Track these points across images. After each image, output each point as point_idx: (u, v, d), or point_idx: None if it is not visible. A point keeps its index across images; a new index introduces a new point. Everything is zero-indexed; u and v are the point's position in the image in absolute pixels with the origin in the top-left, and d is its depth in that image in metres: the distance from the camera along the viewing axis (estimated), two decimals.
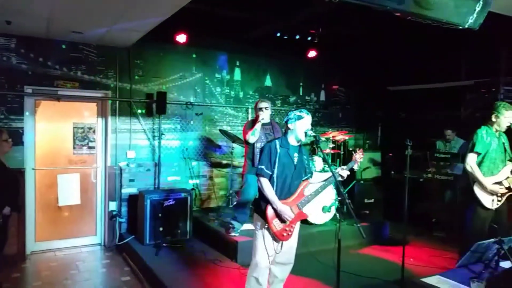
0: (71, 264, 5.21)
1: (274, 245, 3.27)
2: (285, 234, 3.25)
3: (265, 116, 4.82)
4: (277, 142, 3.29)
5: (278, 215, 3.20)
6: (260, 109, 4.84)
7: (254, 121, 4.90)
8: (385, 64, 7.58)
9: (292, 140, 3.31)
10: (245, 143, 5.00)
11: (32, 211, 5.52)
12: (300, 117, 3.25)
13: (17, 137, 5.13)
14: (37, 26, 4.77)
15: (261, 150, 3.39)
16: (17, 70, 5.23)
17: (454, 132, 6.60)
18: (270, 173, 3.22)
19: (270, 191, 3.19)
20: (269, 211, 3.19)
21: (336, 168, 3.51)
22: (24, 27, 4.81)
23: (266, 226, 3.21)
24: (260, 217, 3.27)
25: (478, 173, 4.09)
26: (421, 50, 6.88)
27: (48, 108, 5.62)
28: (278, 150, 3.23)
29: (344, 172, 3.45)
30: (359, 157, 3.65)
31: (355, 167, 3.62)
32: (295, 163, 3.28)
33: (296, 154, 3.29)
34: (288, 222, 3.24)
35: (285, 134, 3.39)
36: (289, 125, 3.30)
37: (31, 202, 5.50)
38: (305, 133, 3.24)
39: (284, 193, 3.25)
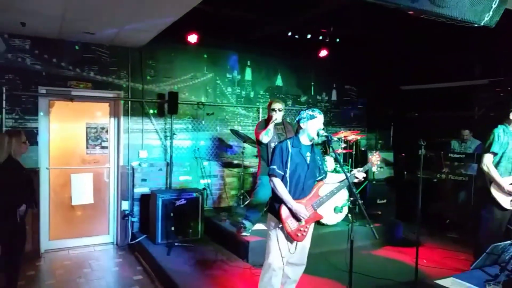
0: (84, 263, 5.27)
1: (288, 246, 3.26)
2: (299, 234, 3.23)
3: (278, 117, 4.79)
4: (289, 142, 3.27)
5: (293, 214, 3.19)
6: (274, 110, 4.80)
7: (266, 121, 4.87)
8: (398, 63, 7.50)
9: (304, 140, 3.29)
10: (257, 143, 4.98)
11: (46, 210, 5.60)
12: (312, 117, 3.23)
13: (31, 137, 5.20)
14: (50, 27, 4.83)
15: (273, 150, 3.37)
16: (31, 71, 5.30)
17: (471, 132, 6.50)
18: (283, 173, 3.20)
19: (283, 191, 3.18)
20: (283, 211, 3.18)
21: (349, 169, 3.48)
22: (38, 28, 4.88)
23: (280, 226, 3.19)
24: (274, 217, 3.26)
25: (495, 173, 4.02)
26: (434, 49, 6.79)
27: (62, 108, 5.69)
28: (290, 150, 3.21)
29: (360, 174, 3.41)
30: (376, 160, 3.61)
31: (374, 169, 3.58)
32: (308, 162, 3.26)
33: (308, 154, 3.27)
34: (303, 222, 3.22)
35: (296, 133, 3.37)
36: (301, 125, 3.27)
37: (45, 201, 5.58)
38: (318, 132, 3.22)
39: (298, 193, 3.24)
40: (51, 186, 5.67)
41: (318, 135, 3.23)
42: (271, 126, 4.71)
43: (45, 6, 4.00)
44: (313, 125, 3.23)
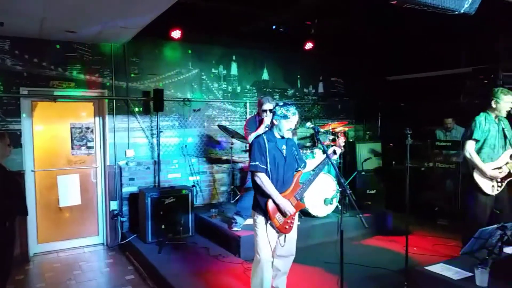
0: (75, 265, 5.20)
1: (277, 239, 3.29)
2: (287, 226, 3.27)
3: (268, 118, 4.69)
4: (264, 136, 3.31)
5: (279, 209, 3.20)
6: (265, 111, 4.61)
7: (259, 122, 4.72)
8: (383, 54, 7.53)
9: (278, 134, 3.34)
10: (247, 138, 4.91)
11: (33, 213, 5.49)
12: (286, 117, 3.26)
13: (15, 139, 5.08)
14: (30, 27, 4.72)
15: (251, 146, 3.39)
16: (12, 71, 5.19)
17: (454, 120, 6.56)
18: (265, 167, 3.22)
19: (269, 186, 3.19)
20: (270, 206, 3.19)
21: (338, 161, 3.51)
22: (17, 28, 4.76)
23: (269, 222, 3.21)
24: (261, 213, 3.26)
25: (477, 160, 4.08)
26: (419, 39, 6.83)
27: (45, 109, 5.58)
28: (267, 145, 3.25)
29: (334, 155, 3.54)
30: (342, 142, 3.66)
31: (338, 151, 3.60)
32: (285, 155, 3.30)
33: (284, 146, 3.32)
34: (289, 215, 3.24)
35: (270, 128, 3.42)
36: (274, 121, 3.32)
37: (32, 204, 5.46)
38: (289, 131, 3.30)
39: (279, 186, 3.26)
40: (37, 188, 5.57)
41: (300, 127, 3.28)
42: (261, 130, 4.53)
43: (24, 4, 3.90)
44: (286, 125, 3.27)
